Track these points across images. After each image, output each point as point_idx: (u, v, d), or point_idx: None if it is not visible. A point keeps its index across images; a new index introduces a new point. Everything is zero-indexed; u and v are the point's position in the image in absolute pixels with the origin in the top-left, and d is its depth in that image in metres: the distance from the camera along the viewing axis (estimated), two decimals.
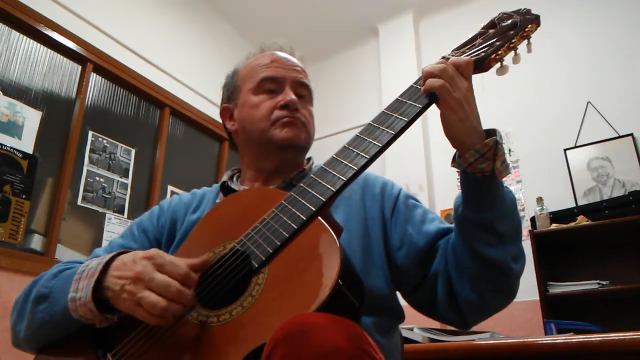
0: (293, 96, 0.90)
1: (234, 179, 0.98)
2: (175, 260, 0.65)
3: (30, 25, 2.53)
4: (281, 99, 0.90)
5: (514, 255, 0.75)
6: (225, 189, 0.96)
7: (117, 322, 0.70)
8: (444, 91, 0.70)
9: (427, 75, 0.72)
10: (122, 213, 2.83)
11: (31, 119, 2.44)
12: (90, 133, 2.76)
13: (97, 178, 2.73)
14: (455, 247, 0.77)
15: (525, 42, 0.78)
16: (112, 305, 0.66)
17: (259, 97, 0.92)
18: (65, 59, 2.72)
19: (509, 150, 3.24)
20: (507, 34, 0.77)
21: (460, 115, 0.70)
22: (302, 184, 0.71)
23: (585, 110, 3.06)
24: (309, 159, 1.00)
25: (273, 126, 0.89)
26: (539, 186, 3.05)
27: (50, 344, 0.76)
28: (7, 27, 2.46)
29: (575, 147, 3.03)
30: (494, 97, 3.19)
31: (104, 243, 2.67)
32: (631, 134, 2.89)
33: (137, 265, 0.64)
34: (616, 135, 2.93)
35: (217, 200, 0.95)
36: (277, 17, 3.96)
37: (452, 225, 0.82)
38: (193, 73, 3.45)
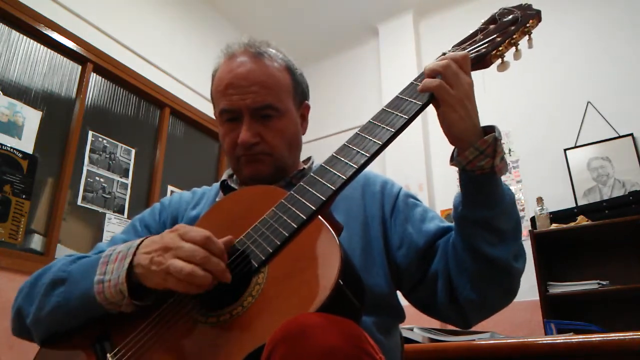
0: (245, 136, 0.84)
1: (234, 177, 0.97)
2: (197, 228, 0.66)
3: (30, 25, 2.52)
4: (239, 136, 0.85)
5: (515, 253, 0.75)
6: (225, 188, 0.95)
7: (116, 322, 0.69)
8: (442, 90, 0.69)
9: (429, 73, 0.71)
10: (122, 213, 2.82)
11: (31, 119, 2.44)
12: (90, 133, 2.76)
13: (97, 178, 2.73)
14: (456, 245, 0.77)
15: (527, 37, 0.77)
16: (143, 285, 0.66)
17: (223, 128, 0.89)
18: (65, 59, 2.72)
19: (509, 150, 3.23)
20: (508, 30, 0.76)
21: (461, 113, 0.69)
22: (302, 183, 0.71)
23: (585, 110, 3.06)
24: (309, 158, 0.99)
25: (238, 162, 0.88)
26: (539, 186, 3.04)
27: (52, 338, 0.75)
28: (7, 27, 2.46)
29: (575, 147, 3.03)
30: (494, 97, 3.19)
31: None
32: (631, 134, 2.89)
33: (164, 238, 0.66)
34: (616, 135, 2.93)
35: (217, 199, 0.94)
36: (277, 17, 3.96)
37: (451, 224, 0.81)
38: (193, 73, 3.45)
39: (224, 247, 0.65)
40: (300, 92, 0.94)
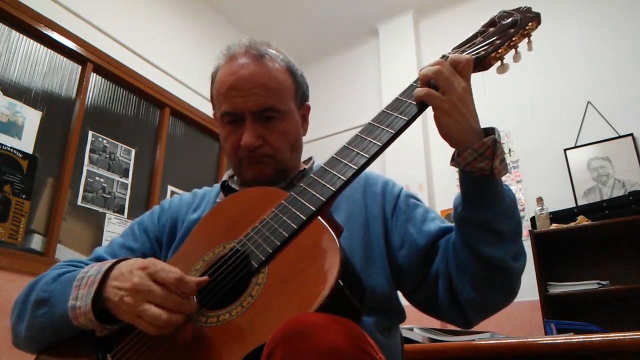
0: (247, 139, 0.84)
1: (235, 178, 0.97)
2: (167, 266, 0.64)
3: (30, 25, 2.53)
4: (241, 138, 0.85)
5: (514, 253, 0.75)
6: (226, 189, 0.95)
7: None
8: (430, 98, 0.70)
9: (422, 79, 0.72)
10: (122, 213, 2.82)
11: (31, 119, 2.44)
12: (90, 133, 2.76)
13: (97, 178, 2.73)
14: (456, 246, 0.77)
15: (526, 40, 0.77)
16: (113, 314, 0.66)
17: (225, 130, 0.89)
18: (65, 59, 2.72)
19: (509, 150, 3.24)
20: (508, 32, 0.77)
21: (455, 117, 0.70)
22: (302, 184, 0.71)
23: (585, 110, 3.06)
24: (310, 158, 0.99)
25: (240, 164, 0.88)
26: (539, 186, 3.05)
27: (49, 345, 0.75)
28: (7, 27, 2.46)
29: (575, 147, 3.03)
30: (494, 97, 3.18)
31: (104, 243, 2.67)
32: (631, 134, 2.89)
33: (134, 276, 0.64)
34: (616, 135, 2.93)
35: (218, 200, 0.95)
36: (278, 17, 3.96)
37: (453, 224, 0.81)
38: (193, 73, 3.45)
39: (197, 285, 0.64)
40: (301, 93, 0.94)
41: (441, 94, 0.70)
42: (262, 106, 0.85)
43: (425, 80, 0.72)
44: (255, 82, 0.85)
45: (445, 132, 0.71)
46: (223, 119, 0.88)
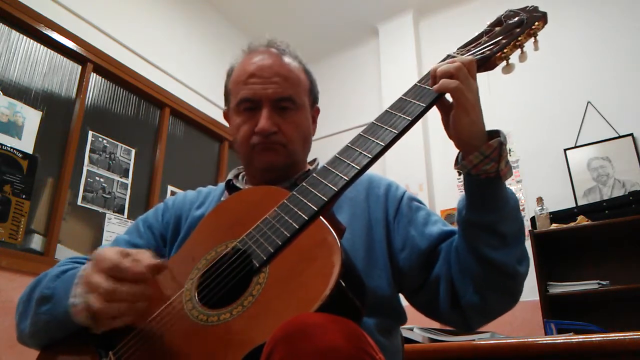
0: (264, 124, 0.85)
1: (240, 177, 0.98)
2: (107, 255, 0.64)
3: (30, 25, 2.52)
4: (256, 124, 0.86)
5: (519, 257, 0.75)
6: (231, 188, 0.96)
7: None
8: (459, 93, 0.69)
9: (442, 75, 0.70)
10: (122, 213, 2.82)
11: (31, 119, 2.44)
12: (90, 133, 2.76)
13: (97, 178, 2.73)
14: (459, 249, 0.77)
15: (532, 39, 0.77)
16: None
17: (240, 118, 0.89)
18: (65, 59, 2.72)
19: (509, 150, 3.23)
20: (514, 32, 0.76)
21: (473, 117, 0.69)
22: (304, 183, 0.71)
23: (585, 110, 3.06)
24: (314, 159, 1.00)
25: (252, 151, 0.88)
26: (539, 186, 3.05)
27: (54, 341, 0.75)
28: (7, 27, 2.45)
29: (575, 147, 3.03)
30: (495, 97, 3.18)
31: (104, 243, 2.67)
32: (631, 134, 2.89)
33: (85, 269, 0.66)
34: (616, 135, 2.93)
35: (222, 199, 0.95)
36: (278, 17, 3.96)
37: (455, 228, 0.81)
38: (193, 73, 3.45)
39: (157, 269, 0.64)
40: (314, 94, 0.96)
41: None
42: (280, 95, 0.87)
43: (444, 76, 0.70)
44: (276, 71, 0.88)
45: (458, 131, 0.71)
46: (240, 106, 0.89)
